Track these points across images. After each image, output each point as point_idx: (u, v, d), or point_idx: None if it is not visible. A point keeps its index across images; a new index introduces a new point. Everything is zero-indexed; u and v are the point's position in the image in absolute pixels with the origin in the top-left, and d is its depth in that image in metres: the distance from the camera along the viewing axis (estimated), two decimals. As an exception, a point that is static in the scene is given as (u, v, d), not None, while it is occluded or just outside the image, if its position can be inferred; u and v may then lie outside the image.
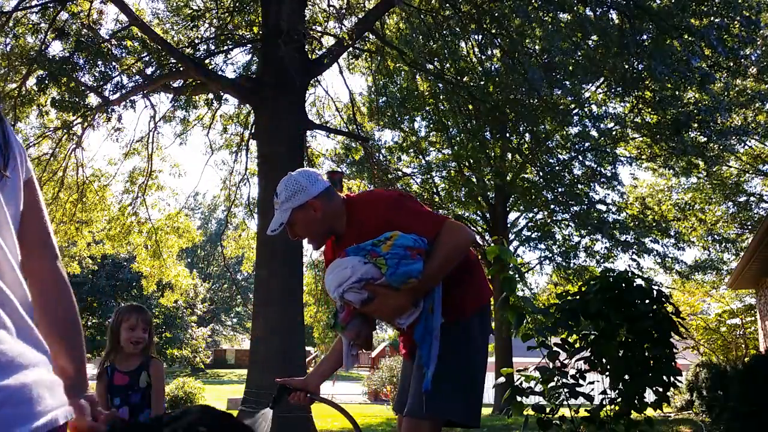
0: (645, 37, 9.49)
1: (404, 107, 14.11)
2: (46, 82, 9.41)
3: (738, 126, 14.33)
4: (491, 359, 16.88)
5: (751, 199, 18.37)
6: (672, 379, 3.49)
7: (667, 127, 11.25)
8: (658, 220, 16.89)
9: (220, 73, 11.03)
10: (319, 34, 11.68)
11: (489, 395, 17.82)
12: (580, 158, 15.75)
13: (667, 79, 9.22)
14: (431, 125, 15.57)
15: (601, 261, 16.25)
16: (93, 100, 10.45)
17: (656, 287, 3.71)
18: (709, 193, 18.18)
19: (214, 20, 11.62)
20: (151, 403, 2.94)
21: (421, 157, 16.58)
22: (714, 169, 15.74)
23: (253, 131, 11.36)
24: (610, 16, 9.66)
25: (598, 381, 3.63)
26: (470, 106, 12.57)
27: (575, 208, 14.41)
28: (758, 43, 11.43)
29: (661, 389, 3.51)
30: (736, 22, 9.14)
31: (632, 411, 3.52)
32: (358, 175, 14.30)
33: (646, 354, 3.55)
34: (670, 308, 3.62)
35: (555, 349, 3.55)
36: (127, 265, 29.22)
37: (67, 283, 1.26)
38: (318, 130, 12.18)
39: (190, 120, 12.91)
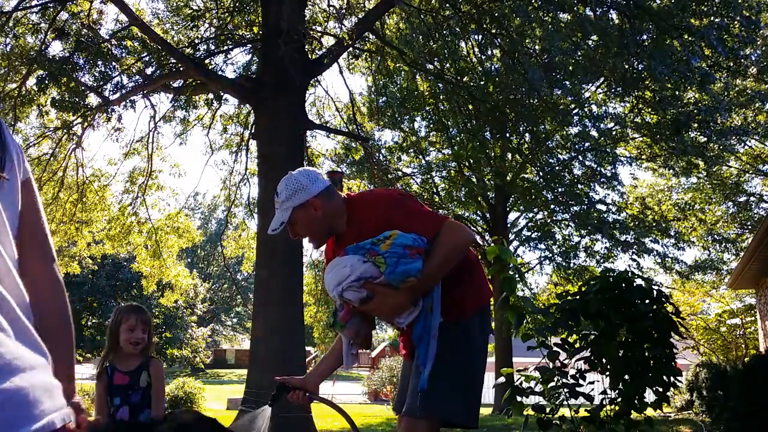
0: (645, 37, 9.50)
1: (404, 107, 14.12)
2: (46, 82, 9.42)
3: (738, 126, 14.33)
4: (491, 359, 16.88)
5: (751, 199, 18.37)
6: (672, 379, 3.49)
7: (667, 127, 11.26)
8: (658, 220, 16.89)
9: (220, 73, 11.03)
10: (319, 34, 11.68)
11: (489, 395, 17.83)
12: (580, 158, 15.75)
13: (667, 79, 9.22)
14: (431, 125, 15.57)
15: (601, 261, 16.25)
16: (93, 100, 10.47)
17: (656, 287, 3.70)
18: (709, 193, 18.18)
19: (214, 20, 11.63)
20: (151, 403, 2.94)
21: (421, 157, 16.58)
22: (714, 169, 15.74)
23: (253, 131, 11.37)
24: (610, 16, 9.66)
25: (598, 381, 3.63)
26: (470, 106, 12.57)
27: (575, 208, 14.41)
28: (758, 43, 11.43)
29: (661, 389, 3.51)
30: (736, 22, 9.14)
31: (632, 411, 3.52)
32: (358, 175, 14.31)
33: (646, 354, 3.55)
34: (670, 308, 3.62)
35: (555, 349, 3.55)
36: (127, 265, 29.23)
37: (63, 287, 1.25)
38: (318, 130, 12.19)
39: (190, 120, 12.92)
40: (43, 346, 1.01)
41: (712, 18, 9.17)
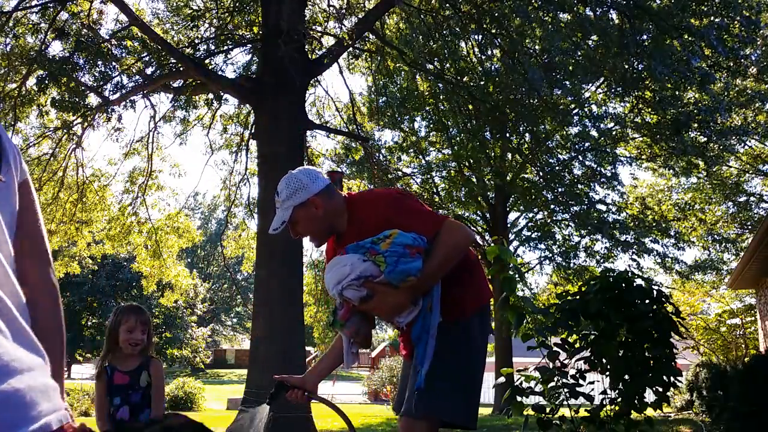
0: (645, 37, 9.50)
1: (404, 107, 14.11)
2: (46, 82, 9.42)
3: (738, 126, 14.32)
4: (491, 359, 16.89)
5: (751, 199, 18.37)
6: (672, 379, 3.49)
7: (667, 127, 11.25)
8: (658, 220, 16.89)
9: (220, 73, 11.03)
10: (319, 34, 11.68)
11: (489, 395, 17.84)
12: (580, 158, 15.75)
13: (667, 79, 9.22)
14: (431, 125, 15.57)
15: (601, 261, 16.24)
16: (93, 100, 10.47)
17: (656, 287, 3.70)
18: (709, 193, 18.18)
19: (214, 20, 11.63)
20: (151, 403, 2.94)
21: (421, 157, 16.58)
22: (714, 169, 15.74)
23: (253, 131, 11.37)
24: (610, 16, 9.66)
25: (598, 381, 3.63)
26: (470, 106, 12.57)
27: (575, 208, 14.41)
28: (758, 43, 11.43)
29: (661, 389, 3.51)
30: (736, 22, 9.14)
31: (632, 411, 3.52)
32: (358, 175, 14.31)
33: (646, 354, 3.55)
34: (670, 308, 3.62)
35: (555, 349, 3.55)
36: (127, 265, 29.24)
37: (57, 292, 1.24)
38: (318, 130, 12.19)
39: (190, 120, 12.92)
40: (40, 347, 1.01)
41: (712, 18, 9.17)
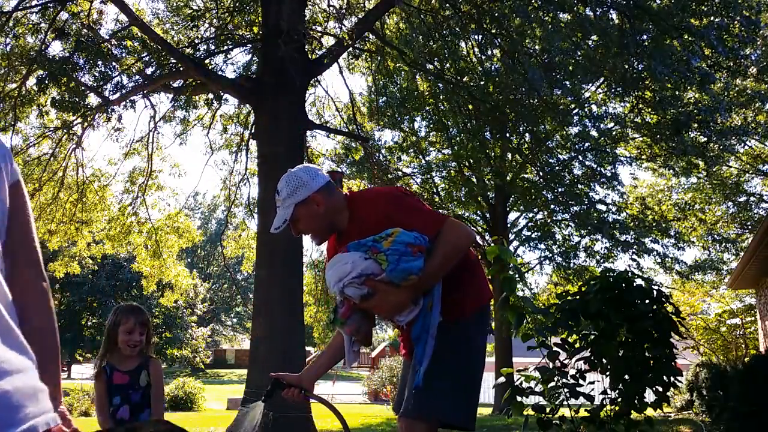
0: (645, 37, 9.49)
1: (404, 107, 14.11)
2: (46, 82, 9.42)
3: (738, 126, 14.32)
4: (491, 359, 16.90)
5: (751, 199, 18.37)
6: (672, 379, 3.49)
7: (667, 127, 11.25)
8: (658, 220, 16.89)
9: (220, 73, 11.04)
10: (319, 34, 11.68)
11: (489, 395, 17.85)
12: (580, 158, 15.75)
13: (667, 79, 9.22)
14: (431, 125, 15.57)
15: (601, 261, 16.25)
16: (93, 100, 10.47)
17: (656, 287, 3.70)
18: (709, 193, 18.19)
19: (214, 20, 11.63)
20: (151, 403, 2.94)
21: (421, 157, 16.58)
22: (714, 169, 15.74)
23: (253, 131, 11.37)
24: (610, 16, 9.66)
25: (598, 381, 3.63)
26: (470, 106, 12.57)
27: (575, 208, 14.41)
28: (758, 43, 11.43)
29: (661, 389, 3.51)
30: (736, 22, 9.14)
31: (632, 411, 3.52)
32: (358, 175, 14.31)
33: (646, 354, 3.55)
34: (670, 308, 3.62)
35: (555, 349, 3.55)
36: (127, 265, 29.24)
37: (48, 293, 1.23)
38: (318, 130, 12.19)
39: (190, 120, 12.92)
40: (29, 349, 1.00)
41: (712, 18, 9.16)
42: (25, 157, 11.89)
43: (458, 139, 14.55)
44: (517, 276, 3.53)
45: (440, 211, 14.72)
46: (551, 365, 3.50)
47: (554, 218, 16.56)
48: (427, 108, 14.37)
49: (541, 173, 13.99)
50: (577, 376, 3.53)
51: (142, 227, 13.32)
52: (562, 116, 13.20)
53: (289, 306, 8.60)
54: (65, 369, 37.91)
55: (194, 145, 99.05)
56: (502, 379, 3.79)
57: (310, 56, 10.12)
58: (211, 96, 11.91)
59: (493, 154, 14.33)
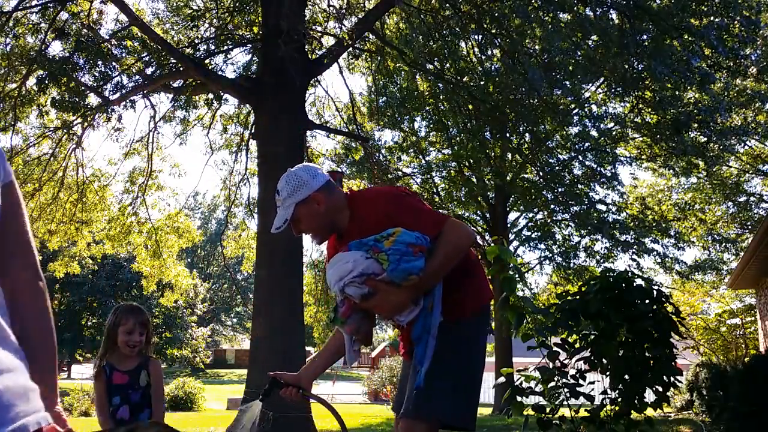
0: (645, 37, 9.49)
1: (404, 107, 14.11)
2: (46, 82, 9.42)
3: (738, 126, 14.32)
4: (491, 359, 16.89)
5: (751, 199, 18.38)
6: (672, 379, 3.49)
7: (667, 127, 11.24)
8: (658, 220, 16.89)
9: (220, 73, 11.03)
10: (319, 34, 11.68)
11: (489, 395, 17.84)
12: (580, 158, 15.75)
13: (667, 79, 9.21)
14: (431, 125, 15.57)
15: (601, 261, 16.25)
16: (93, 100, 10.47)
17: (656, 287, 3.71)
18: (709, 193, 18.19)
19: (214, 20, 11.62)
20: (150, 402, 2.94)
21: (421, 157, 16.59)
22: (714, 169, 15.74)
23: (253, 131, 11.37)
24: (610, 16, 9.66)
25: (598, 381, 3.63)
26: (470, 106, 12.57)
27: (575, 208, 14.41)
28: (758, 43, 11.42)
29: (661, 389, 3.51)
30: (736, 22, 9.13)
31: (632, 411, 3.52)
32: (358, 175, 14.31)
33: (646, 354, 3.55)
34: (670, 308, 3.62)
35: (555, 349, 3.55)
36: (127, 265, 29.23)
37: (44, 293, 1.22)
38: (318, 130, 12.19)
39: (190, 120, 12.92)
40: (20, 348, 0.99)
41: (712, 18, 9.16)
42: (25, 157, 11.89)
43: (458, 139, 14.55)
44: (517, 276, 3.53)
45: (440, 211, 14.71)
46: (551, 365, 3.50)
47: (554, 218, 16.56)
48: (427, 108, 14.37)
49: (541, 173, 13.99)
50: (577, 376, 3.53)
51: (142, 227, 13.32)
52: (562, 116, 13.20)
53: (289, 306, 8.60)
54: (65, 369, 37.91)
55: (194, 145, 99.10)
56: (502, 379, 3.79)
57: (310, 56, 10.12)
58: (211, 96, 11.91)
59: (493, 154, 14.33)
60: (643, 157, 15.80)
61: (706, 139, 11.81)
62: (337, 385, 29.83)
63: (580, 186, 15.26)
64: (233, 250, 15.23)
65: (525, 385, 3.55)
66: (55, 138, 11.61)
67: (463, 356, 2.26)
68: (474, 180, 15.68)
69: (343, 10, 11.43)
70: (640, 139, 14.93)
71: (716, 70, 10.05)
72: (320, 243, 2.43)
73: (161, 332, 33.31)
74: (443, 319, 2.16)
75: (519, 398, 3.49)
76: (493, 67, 12.51)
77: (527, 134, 14.04)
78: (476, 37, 11.12)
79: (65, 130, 11.25)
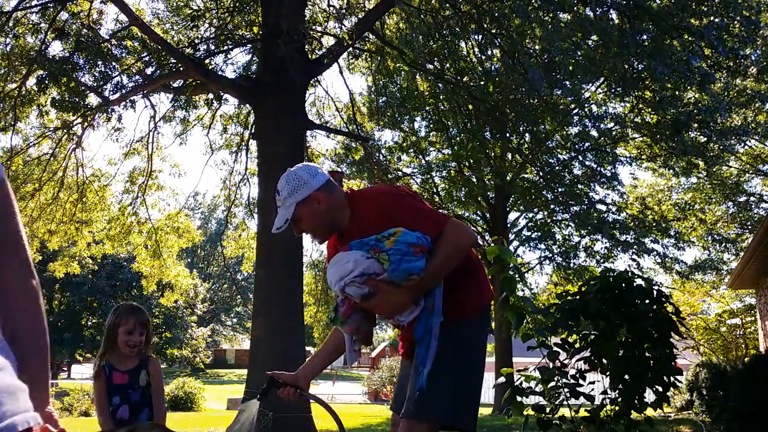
0: (645, 37, 9.49)
1: (404, 107, 14.11)
2: (46, 82, 9.42)
3: (738, 126, 14.32)
4: (491, 359, 16.89)
5: (751, 199, 18.38)
6: (672, 379, 3.49)
7: (667, 127, 11.24)
8: (658, 220, 16.89)
9: (220, 73, 11.03)
10: (319, 34, 11.68)
11: (489, 395, 17.83)
12: (580, 158, 15.75)
13: (667, 79, 9.21)
14: (431, 125, 15.57)
15: (601, 261, 16.25)
16: (93, 100, 10.47)
17: (656, 287, 3.71)
18: (709, 193, 18.19)
19: (214, 20, 11.62)
20: (150, 402, 2.94)
21: (421, 157, 16.58)
22: (714, 169, 15.74)
23: (253, 131, 11.37)
24: (610, 16, 9.65)
25: (598, 381, 3.63)
26: (470, 106, 12.56)
27: (575, 208, 14.41)
28: (758, 43, 11.42)
29: (661, 389, 3.51)
30: (736, 22, 9.13)
31: (632, 411, 3.52)
32: (358, 175, 14.31)
33: (646, 354, 3.55)
34: (670, 308, 3.62)
35: (555, 349, 3.55)
36: (127, 265, 29.24)
37: (37, 292, 1.21)
38: (318, 130, 12.19)
39: (190, 120, 12.92)
40: (8, 348, 0.99)
41: (712, 18, 9.16)
42: (25, 157, 11.89)
43: (458, 139, 14.55)
44: (517, 276, 3.52)
45: (441, 211, 14.70)
46: (551, 365, 3.50)
47: (554, 218, 16.56)
48: (427, 108, 14.37)
49: (541, 173, 13.98)
50: (577, 376, 3.53)
51: (142, 227, 13.32)
52: (562, 116, 13.19)
53: (289, 306, 8.60)
54: (65, 369, 37.91)
55: (194, 145, 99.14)
56: (502, 379, 3.79)
57: (310, 56, 10.12)
58: (211, 96, 11.91)
59: (493, 154, 14.32)
60: (643, 157, 15.80)
61: (706, 139, 11.80)
62: (337, 384, 29.83)
63: (580, 186, 15.26)
64: (233, 250, 15.23)
65: (525, 385, 3.56)
66: (55, 138, 11.62)
67: (464, 356, 2.25)
68: (474, 180, 15.68)
69: (343, 10, 11.43)
70: (640, 139, 14.93)
71: (716, 70, 10.04)
72: (321, 242, 2.42)
73: (161, 332, 33.32)
74: (444, 319, 2.16)
75: (519, 398, 3.49)
76: (493, 67, 12.50)
77: (527, 134, 14.03)
78: (476, 37, 11.12)
79: (65, 130, 11.26)
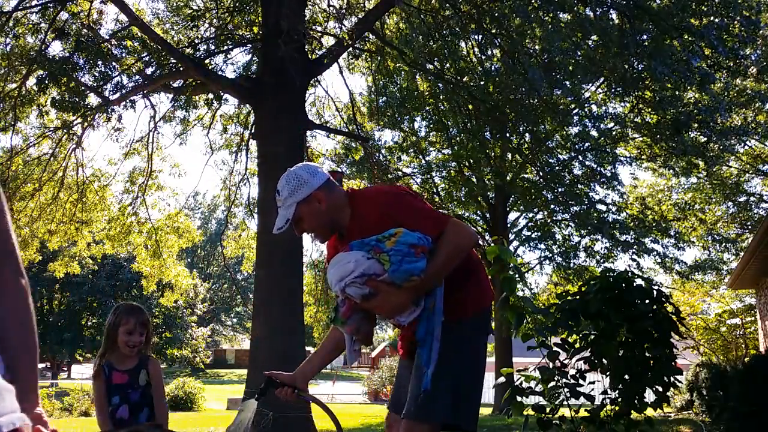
0: (645, 37, 9.49)
1: (404, 107, 14.11)
2: (46, 82, 9.42)
3: (738, 126, 14.32)
4: (491, 359, 16.89)
5: (751, 199, 18.38)
6: (672, 379, 3.49)
7: (667, 127, 11.24)
8: (658, 220, 16.89)
9: (220, 73, 11.03)
10: (319, 34, 11.68)
11: (489, 395, 17.82)
12: (580, 158, 15.75)
13: (667, 79, 9.21)
14: (431, 125, 15.57)
15: (601, 261, 16.24)
16: (93, 100, 10.47)
17: (656, 287, 3.71)
18: (709, 193, 18.19)
19: (214, 20, 11.62)
20: (150, 402, 2.94)
21: (421, 157, 16.58)
22: (714, 169, 15.74)
23: (253, 131, 11.37)
24: (610, 16, 9.65)
25: (598, 381, 3.63)
26: (470, 106, 12.56)
27: (575, 208, 14.41)
28: (758, 43, 11.42)
29: (661, 389, 3.51)
30: (736, 22, 9.13)
31: (632, 411, 3.52)
32: (358, 175, 14.30)
33: (646, 354, 3.55)
34: (670, 308, 3.62)
35: (555, 349, 3.55)
36: (127, 265, 29.23)
37: (26, 292, 1.20)
38: (318, 130, 12.19)
39: (190, 120, 12.92)
40: None
41: (712, 18, 9.16)
42: (25, 157, 11.89)
43: (458, 139, 14.55)
44: (517, 276, 3.52)
45: (441, 211, 14.70)
46: (551, 365, 3.50)
47: (554, 218, 16.56)
48: (427, 108, 14.37)
49: (541, 173, 13.98)
50: (577, 376, 3.53)
51: (142, 227, 13.32)
52: (562, 116, 13.19)
53: (289, 306, 8.60)
54: (65, 369, 37.90)
55: (194, 145, 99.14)
56: (502, 379, 3.79)
57: (310, 56, 10.12)
58: (211, 96, 11.91)
59: (493, 154, 14.32)
60: (643, 157, 15.80)
61: (706, 139, 11.80)
62: (337, 384, 29.83)
63: (580, 186, 15.26)
64: (233, 250, 15.23)
65: (525, 385, 3.56)
66: (55, 138, 11.62)
67: (464, 356, 2.25)
68: (474, 180, 15.68)
69: (343, 10, 11.43)
70: (640, 139, 14.93)
71: (716, 70, 10.04)
72: (322, 242, 2.42)
73: (161, 332, 33.31)
74: (444, 319, 2.16)
75: (519, 398, 3.49)
76: (493, 67, 12.50)
77: (527, 134, 14.03)
78: (476, 37, 11.12)
79: (65, 130, 11.26)
